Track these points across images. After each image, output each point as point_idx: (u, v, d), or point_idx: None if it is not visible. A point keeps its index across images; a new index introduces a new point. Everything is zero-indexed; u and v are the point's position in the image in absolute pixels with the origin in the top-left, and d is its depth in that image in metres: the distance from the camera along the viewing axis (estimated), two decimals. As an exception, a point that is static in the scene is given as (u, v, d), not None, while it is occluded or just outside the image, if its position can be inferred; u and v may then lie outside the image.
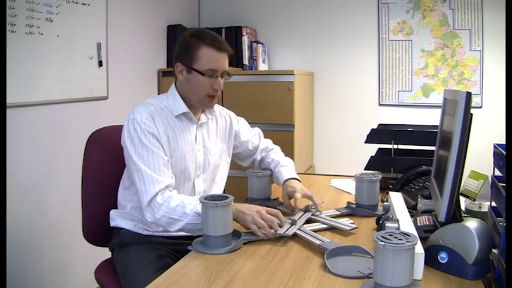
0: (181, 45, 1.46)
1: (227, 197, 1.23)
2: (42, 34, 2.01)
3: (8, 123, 1.81)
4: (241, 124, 1.73)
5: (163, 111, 1.46)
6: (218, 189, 1.62)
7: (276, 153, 1.74)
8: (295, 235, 1.30)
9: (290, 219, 1.35)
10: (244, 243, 1.26)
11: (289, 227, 1.31)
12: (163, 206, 1.31)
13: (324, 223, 1.41)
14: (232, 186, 1.86)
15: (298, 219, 1.37)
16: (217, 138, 1.61)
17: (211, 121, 1.60)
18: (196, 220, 1.29)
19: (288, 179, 1.58)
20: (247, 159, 1.78)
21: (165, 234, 1.46)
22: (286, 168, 1.65)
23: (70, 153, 2.12)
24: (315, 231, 1.32)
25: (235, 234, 1.27)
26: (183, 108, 1.47)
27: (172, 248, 1.43)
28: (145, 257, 1.38)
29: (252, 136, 1.76)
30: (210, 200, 1.22)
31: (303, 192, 1.49)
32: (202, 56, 1.41)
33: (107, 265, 1.54)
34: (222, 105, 3.09)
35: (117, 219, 1.51)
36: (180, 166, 1.46)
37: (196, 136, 1.52)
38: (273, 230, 1.26)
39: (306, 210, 1.48)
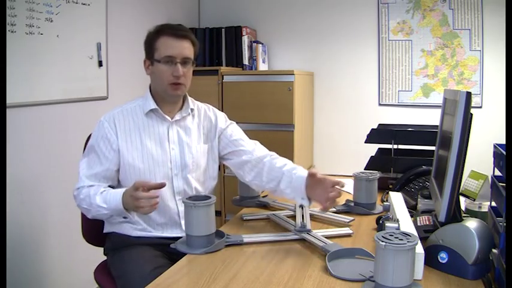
0: (145, 42, 1.51)
1: (209, 197, 1.24)
2: (42, 34, 2.01)
3: (8, 123, 1.81)
4: (229, 123, 1.62)
5: (132, 111, 1.49)
6: (206, 189, 1.57)
7: (284, 159, 1.54)
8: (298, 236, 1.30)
9: (301, 223, 1.34)
10: (240, 244, 1.26)
11: (302, 231, 1.31)
12: (76, 197, 1.42)
13: (321, 218, 1.45)
14: (230, 185, 1.86)
15: (304, 221, 1.37)
16: (201, 137, 1.56)
17: (191, 118, 1.56)
18: (100, 212, 1.36)
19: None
20: (249, 170, 1.53)
21: (154, 235, 1.46)
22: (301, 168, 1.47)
23: (70, 153, 2.12)
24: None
25: (219, 234, 1.27)
26: (152, 105, 1.48)
27: (164, 249, 1.42)
28: (140, 258, 1.38)
29: (246, 141, 1.59)
30: (193, 199, 1.23)
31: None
32: (160, 45, 1.45)
33: (106, 266, 1.54)
34: (223, 105, 3.09)
35: (107, 224, 1.52)
36: (149, 164, 1.45)
37: (168, 134, 1.50)
38: (141, 203, 1.25)
39: (301, 206, 1.49)
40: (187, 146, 1.52)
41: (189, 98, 1.56)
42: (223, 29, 3.24)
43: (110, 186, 1.45)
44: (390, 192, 1.52)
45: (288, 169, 1.45)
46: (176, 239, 1.32)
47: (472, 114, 1.04)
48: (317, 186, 1.32)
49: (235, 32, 3.22)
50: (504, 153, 1.00)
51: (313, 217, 1.47)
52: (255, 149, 1.56)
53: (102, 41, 2.40)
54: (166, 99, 1.50)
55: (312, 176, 1.33)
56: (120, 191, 1.35)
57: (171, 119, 1.51)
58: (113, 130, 1.45)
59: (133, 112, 1.49)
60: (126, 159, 1.44)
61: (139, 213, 1.33)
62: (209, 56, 3.25)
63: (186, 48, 1.46)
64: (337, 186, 1.28)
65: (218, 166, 1.62)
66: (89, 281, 1.66)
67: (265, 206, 1.65)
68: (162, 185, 1.28)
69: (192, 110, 1.55)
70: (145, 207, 1.25)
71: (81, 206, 1.42)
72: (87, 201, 1.38)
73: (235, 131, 1.61)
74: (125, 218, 1.40)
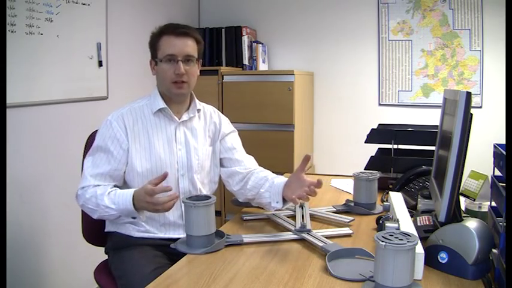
0: (149, 43, 1.50)
1: (209, 197, 1.24)
2: (42, 34, 2.01)
3: (8, 123, 1.81)
4: (232, 131, 1.64)
5: (140, 110, 1.48)
6: (208, 192, 1.58)
7: (268, 171, 1.57)
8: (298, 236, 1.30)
9: (301, 223, 1.34)
10: (240, 244, 1.26)
11: (302, 231, 1.31)
12: (81, 196, 1.39)
13: (321, 218, 1.45)
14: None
15: (304, 221, 1.37)
16: (206, 139, 1.57)
17: (197, 120, 1.56)
18: (108, 213, 1.35)
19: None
20: (238, 180, 1.55)
21: (156, 236, 1.46)
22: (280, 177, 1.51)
23: (70, 153, 2.12)
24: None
25: (219, 234, 1.27)
26: (161, 104, 1.48)
27: (165, 249, 1.41)
28: (141, 258, 1.38)
29: (242, 153, 1.62)
30: (193, 200, 1.23)
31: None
32: (162, 45, 1.45)
33: (106, 265, 1.54)
34: (222, 105, 3.09)
35: (109, 224, 1.52)
36: (156, 164, 1.45)
37: (176, 134, 1.50)
38: (167, 204, 1.25)
39: (301, 206, 1.49)
40: (194, 148, 1.52)
41: (196, 99, 1.56)
42: (223, 29, 3.24)
43: (115, 186, 1.44)
44: (390, 192, 1.51)
45: (271, 177, 1.50)
46: (175, 239, 1.32)
47: (472, 114, 1.04)
48: (296, 182, 1.35)
49: (235, 32, 3.22)
50: (504, 153, 1.00)
51: (313, 217, 1.47)
52: (249, 163, 1.59)
53: (102, 41, 2.40)
54: (173, 99, 1.49)
55: (296, 174, 1.36)
56: (129, 192, 1.33)
57: (179, 119, 1.51)
58: (122, 130, 1.43)
59: (141, 111, 1.48)
60: (134, 160, 1.43)
61: (158, 213, 1.32)
62: (209, 56, 3.25)
63: (188, 46, 1.45)
64: (312, 187, 1.28)
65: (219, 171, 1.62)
66: (89, 281, 1.66)
67: (265, 206, 1.64)
68: (168, 189, 1.27)
69: (198, 110, 1.56)
70: (167, 208, 1.26)
71: (86, 206, 1.39)
72: (94, 201, 1.36)
73: (235, 140, 1.63)
74: (133, 218, 1.37)
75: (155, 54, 1.47)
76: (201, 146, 1.54)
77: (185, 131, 1.52)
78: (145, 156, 1.45)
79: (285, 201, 1.40)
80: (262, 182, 1.49)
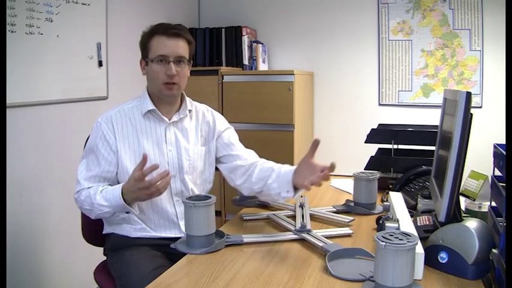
0: (140, 42, 1.50)
1: (209, 197, 1.24)
2: (42, 34, 2.01)
3: (8, 123, 1.81)
4: (228, 127, 1.62)
5: (129, 112, 1.48)
6: (202, 192, 1.56)
7: (273, 162, 1.53)
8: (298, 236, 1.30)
9: (301, 223, 1.34)
10: (240, 244, 1.26)
11: (302, 231, 1.31)
12: (77, 200, 1.42)
13: (321, 218, 1.46)
14: (229, 186, 1.84)
15: (304, 221, 1.36)
16: (198, 139, 1.55)
17: (188, 120, 1.55)
18: (102, 211, 1.36)
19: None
20: (241, 174, 1.52)
21: (153, 235, 1.46)
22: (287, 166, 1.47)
23: (70, 153, 2.12)
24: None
25: (219, 234, 1.27)
26: (149, 105, 1.47)
27: (164, 249, 1.41)
28: (139, 258, 1.37)
29: (241, 148, 1.60)
30: (193, 200, 1.23)
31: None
32: (153, 45, 1.44)
33: (105, 266, 1.53)
34: (222, 105, 3.08)
35: (107, 225, 1.52)
36: (146, 165, 1.43)
37: (166, 135, 1.49)
38: (161, 184, 1.28)
39: (301, 206, 1.49)
40: (185, 148, 1.51)
41: (187, 99, 1.55)
42: (223, 29, 3.24)
43: (109, 185, 1.45)
44: (390, 192, 1.52)
45: (277, 167, 1.45)
46: (175, 239, 1.32)
47: (472, 114, 1.04)
48: (306, 169, 1.31)
49: (235, 32, 3.22)
50: (504, 153, 1.00)
51: (313, 217, 1.47)
52: (250, 156, 1.57)
53: (102, 41, 2.40)
54: (163, 99, 1.49)
55: (306, 159, 1.33)
56: (117, 187, 1.35)
57: (169, 120, 1.50)
58: (111, 131, 1.44)
59: (130, 113, 1.48)
60: (124, 162, 1.43)
61: (153, 197, 1.32)
62: (209, 56, 3.25)
63: (179, 47, 1.44)
64: (325, 171, 1.25)
65: (214, 170, 1.61)
66: (88, 281, 1.66)
67: (265, 206, 1.64)
68: (156, 167, 1.27)
69: (189, 111, 1.55)
70: (161, 189, 1.28)
71: (83, 208, 1.42)
72: (89, 201, 1.38)
73: (232, 135, 1.61)
74: (127, 212, 1.38)
75: (146, 54, 1.46)
76: (192, 146, 1.53)
77: (176, 131, 1.51)
78: (134, 158, 1.45)
79: (295, 189, 1.36)
80: (268, 173, 1.44)
